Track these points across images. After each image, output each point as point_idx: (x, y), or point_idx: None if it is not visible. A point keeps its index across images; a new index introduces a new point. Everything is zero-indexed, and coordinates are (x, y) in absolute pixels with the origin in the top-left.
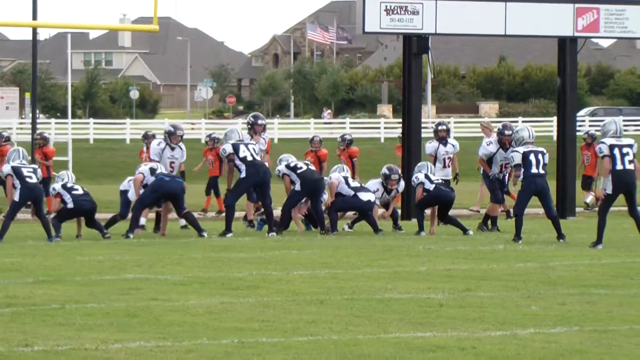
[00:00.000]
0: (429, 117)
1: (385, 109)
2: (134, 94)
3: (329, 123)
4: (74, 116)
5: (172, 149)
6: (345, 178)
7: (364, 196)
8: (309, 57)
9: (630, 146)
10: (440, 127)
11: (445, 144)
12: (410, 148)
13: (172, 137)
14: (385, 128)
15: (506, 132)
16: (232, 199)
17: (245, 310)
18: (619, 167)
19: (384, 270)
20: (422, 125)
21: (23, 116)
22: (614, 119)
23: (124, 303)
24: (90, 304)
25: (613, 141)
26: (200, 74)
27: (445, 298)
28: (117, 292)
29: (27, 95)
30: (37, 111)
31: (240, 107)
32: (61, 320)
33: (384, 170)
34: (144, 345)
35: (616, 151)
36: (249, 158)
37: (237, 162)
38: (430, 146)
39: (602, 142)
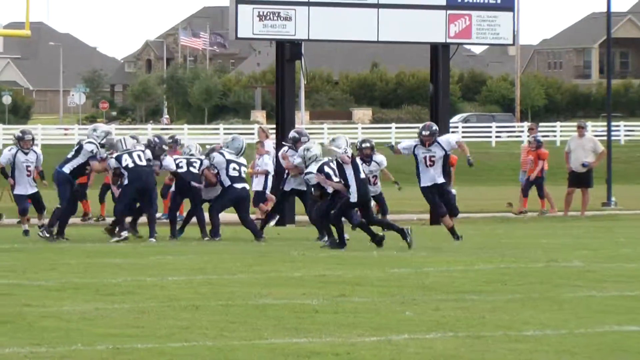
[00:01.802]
0: (302, 123)
1: (259, 114)
2: (7, 100)
3: (168, 128)
4: None
5: (26, 153)
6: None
7: (238, 185)
8: (182, 63)
9: None
10: (364, 145)
11: (369, 163)
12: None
13: (22, 142)
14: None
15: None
16: (121, 206)
17: (120, 316)
18: None
19: (259, 276)
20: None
21: None
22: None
23: None
24: None
25: None
26: (73, 80)
27: (320, 304)
28: None
29: None
30: None
31: (114, 113)
32: None
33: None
34: (17, 351)
35: None
36: (131, 165)
37: (122, 170)
38: None
39: None
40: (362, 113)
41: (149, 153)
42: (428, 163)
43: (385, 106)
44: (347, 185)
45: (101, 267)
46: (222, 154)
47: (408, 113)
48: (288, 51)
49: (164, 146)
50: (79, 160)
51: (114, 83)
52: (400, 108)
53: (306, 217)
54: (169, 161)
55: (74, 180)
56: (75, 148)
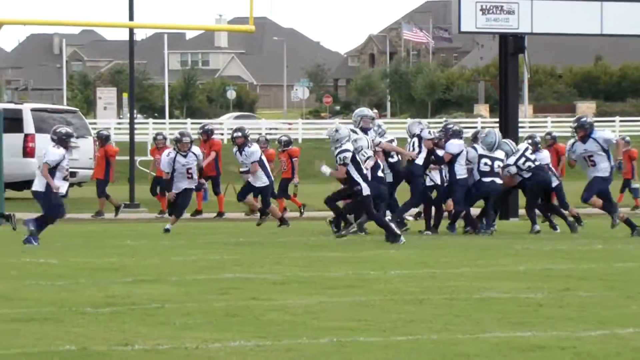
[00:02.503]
0: (526, 116)
1: (482, 108)
2: (231, 94)
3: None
4: (171, 116)
5: (184, 156)
6: None
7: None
8: (405, 57)
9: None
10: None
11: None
12: None
13: (179, 144)
14: (482, 127)
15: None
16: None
17: (344, 310)
18: None
19: (482, 270)
20: (519, 124)
21: (121, 116)
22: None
23: (223, 302)
24: (189, 304)
25: None
26: (296, 74)
27: (544, 297)
28: (217, 292)
29: (125, 96)
30: (135, 111)
31: (337, 107)
32: (161, 320)
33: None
34: (244, 344)
35: None
36: None
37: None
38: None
39: None
40: (586, 106)
41: None
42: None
43: (610, 99)
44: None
45: (324, 260)
46: (475, 148)
47: (633, 106)
48: (511, 45)
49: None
50: None
51: (337, 77)
52: (624, 101)
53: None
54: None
55: None
56: None
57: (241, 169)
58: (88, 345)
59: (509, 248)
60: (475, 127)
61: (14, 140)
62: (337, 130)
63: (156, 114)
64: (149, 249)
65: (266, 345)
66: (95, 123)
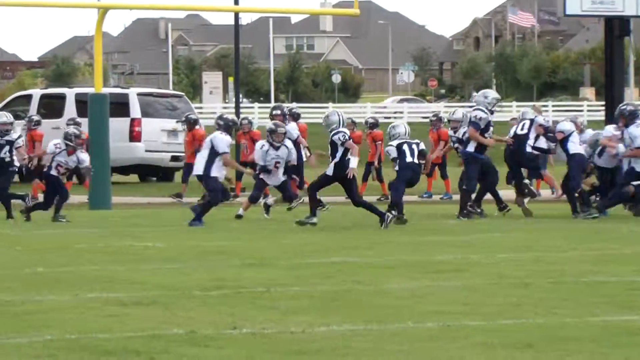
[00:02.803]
0: (631, 99)
1: (588, 91)
2: (336, 78)
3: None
4: (276, 100)
5: (277, 148)
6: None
7: None
8: (510, 40)
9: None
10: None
11: None
12: None
13: (274, 135)
14: (588, 111)
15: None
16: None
17: (449, 294)
18: None
19: (589, 253)
20: None
21: (227, 100)
22: None
23: (328, 286)
24: (295, 287)
25: None
26: (401, 58)
27: None
28: (322, 276)
29: (231, 80)
30: (241, 95)
31: (442, 91)
32: (267, 304)
33: None
34: (349, 328)
35: None
36: None
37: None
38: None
39: None
40: None
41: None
42: None
43: None
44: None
45: (430, 244)
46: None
47: None
48: (617, 27)
49: None
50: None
51: (442, 61)
52: None
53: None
54: None
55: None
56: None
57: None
58: (196, 329)
59: (615, 231)
60: (581, 111)
61: (120, 125)
62: (328, 116)
63: (262, 98)
64: (257, 233)
65: (372, 330)
66: (201, 107)
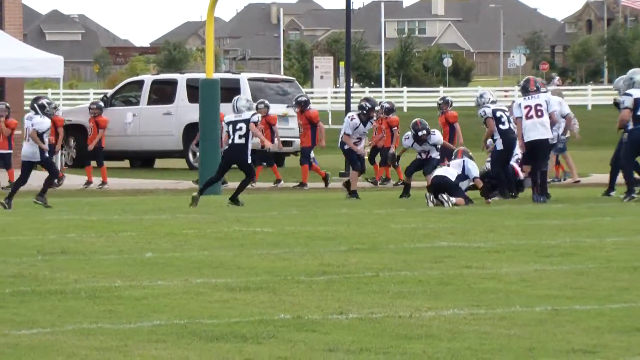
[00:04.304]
0: None
1: None
2: (447, 62)
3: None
4: (387, 85)
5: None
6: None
7: None
8: (622, 23)
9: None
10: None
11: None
12: None
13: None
14: None
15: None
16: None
17: (559, 278)
18: None
19: None
20: None
21: (337, 85)
22: None
23: (437, 271)
24: (403, 272)
25: None
26: (513, 41)
27: None
28: (431, 260)
29: (342, 64)
30: (351, 80)
31: (554, 74)
32: (375, 288)
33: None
34: (457, 312)
35: None
36: None
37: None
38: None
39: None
40: None
41: None
42: None
43: None
44: None
45: (539, 228)
46: None
47: None
48: None
49: None
50: None
51: (554, 44)
52: None
53: None
54: None
55: None
56: None
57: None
58: (302, 314)
59: None
60: None
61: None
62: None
63: (372, 83)
64: (364, 217)
65: (480, 314)
66: (312, 92)
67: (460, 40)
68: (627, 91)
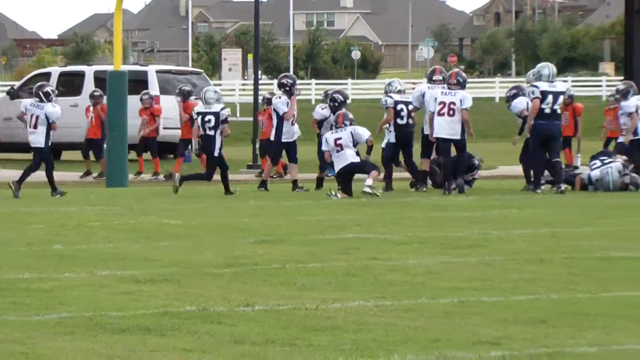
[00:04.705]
0: None
1: (607, 67)
2: (356, 55)
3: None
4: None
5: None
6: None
7: None
8: (530, 16)
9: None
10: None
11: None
12: None
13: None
14: (607, 86)
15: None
16: None
17: (465, 270)
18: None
19: (604, 229)
20: None
21: (246, 77)
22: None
23: (343, 263)
24: (310, 264)
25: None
26: (421, 34)
27: None
28: (337, 252)
29: (250, 57)
30: (260, 72)
31: (462, 66)
32: (281, 280)
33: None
34: (363, 304)
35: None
36: None
37: None
38: None
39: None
40: None
41: None
42: None
43: None
44: None
45: (446, 220)
46: None
47: None
48: (637, 2)
49: None
50: None
51: (462, 37)
52: None
53: None
54: None
55: None
56: None
57: None
58: (208, 306)
59: (632, 207)
60: (600, 86)
61: (138, 102)
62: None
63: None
64: (272, 210)
65: (386, 306)
66: (220, 84)
67: (368, 33)
68: (534, 83)
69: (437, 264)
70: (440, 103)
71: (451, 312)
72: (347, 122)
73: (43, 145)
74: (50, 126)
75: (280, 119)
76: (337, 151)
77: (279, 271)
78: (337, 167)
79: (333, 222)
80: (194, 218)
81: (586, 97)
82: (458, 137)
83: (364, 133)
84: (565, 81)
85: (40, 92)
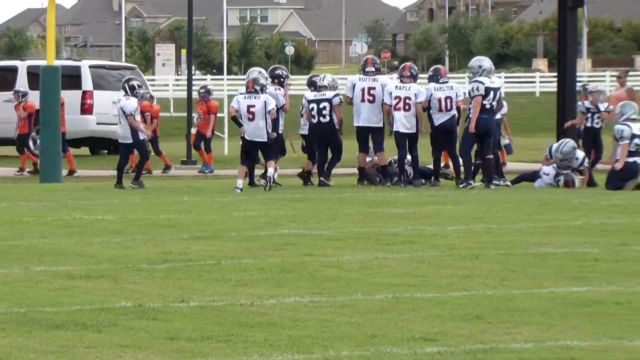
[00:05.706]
0: (585, 71)
1: (541, 63)
2: (290, 50)
3: None
4: (229, 72)
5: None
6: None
7: None
8: (463, 12)
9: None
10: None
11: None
12: (564, 102)
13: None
14: (540, 82)
15: None
16: None
17: (400, 266)
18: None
19: (539, 225)
20: (578, 79)
21: (179, 73)
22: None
23: (278, 259)
24: (245, 260)
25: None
26: (355, 30)
27: (600, 252)
28: (272, 248)
29: (183, 52)
30: (193, 68)
31: (395, 62)
32: (217, 276)
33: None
34: (298, 300)
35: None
36: None
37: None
38: None
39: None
40: None
41: None
42: None
43: None
44: None
45: (381, 216)
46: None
47: None
48: None
49: None
50: None
51: (395, 32)
52: None
53: None
54: None
55: None
56: None
57: None
58: (143, 302)
59: (567, 203)
60: (534, 82)
61: (72, 97)
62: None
63: (214, 70)
64: (206, 205)
65: (321, 302)
66: (153, 79)
67: (302, 29)
68: (478, 79)
69: (372, 259)
70: (396, 97)
71: (386, 308)
72: (258, 88)
73: (125, 140)
74: None
75: (278, 111)
76: (249, 119)
77: (214, 267)
78: (247, 136)
79: (268, 218)
80: (127, 213)
81: (520, 93)
82: (414, 130)
83: (271, 103)
84: (499, 77)
85: (125, 85)
